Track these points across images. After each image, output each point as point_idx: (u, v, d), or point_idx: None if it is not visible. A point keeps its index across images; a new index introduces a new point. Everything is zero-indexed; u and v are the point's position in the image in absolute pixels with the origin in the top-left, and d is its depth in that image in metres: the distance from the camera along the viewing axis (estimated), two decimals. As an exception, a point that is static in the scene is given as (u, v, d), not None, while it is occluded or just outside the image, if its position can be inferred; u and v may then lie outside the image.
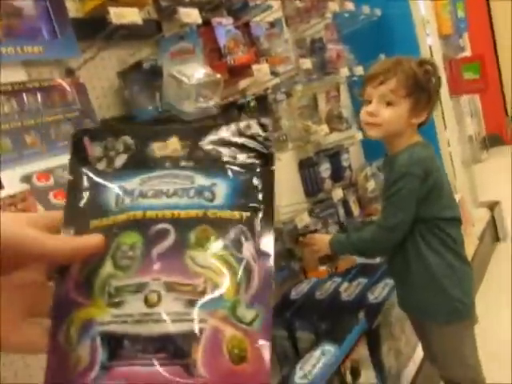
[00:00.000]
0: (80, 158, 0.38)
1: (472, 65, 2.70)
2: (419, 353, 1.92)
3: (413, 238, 1.33)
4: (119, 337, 0.31)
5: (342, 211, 2.46)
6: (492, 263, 2.79)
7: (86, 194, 0.37)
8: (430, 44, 2.82)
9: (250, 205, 0.36)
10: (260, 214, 0.36)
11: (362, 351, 1.59)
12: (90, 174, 0.38)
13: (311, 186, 2.41)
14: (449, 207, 1.33)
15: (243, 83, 1.90)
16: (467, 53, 3.25)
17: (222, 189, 0.37)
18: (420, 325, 1.50)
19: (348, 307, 1.75)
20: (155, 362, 0.30)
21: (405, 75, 1.25)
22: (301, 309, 1.83)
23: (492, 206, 3.15)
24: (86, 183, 0.38)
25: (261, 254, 0.34)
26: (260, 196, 0.36)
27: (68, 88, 1.26)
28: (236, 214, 0.35)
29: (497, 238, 3.18)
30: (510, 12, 5.34)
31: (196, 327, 0.31)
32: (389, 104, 1.27)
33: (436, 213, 1.30)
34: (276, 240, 1.94)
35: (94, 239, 0.34)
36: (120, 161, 0.39)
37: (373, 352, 1.65)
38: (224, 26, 1.71)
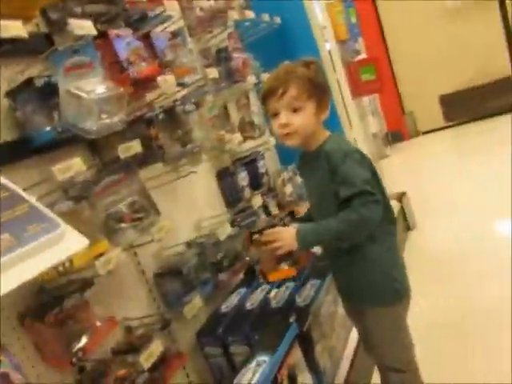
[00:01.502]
0: None
1: (368, 67, 2.88)
2: (351, 347, 1.97)
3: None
4: None
5: (263, 218, 2.46)
6: (406, 252, 2.97)
7: None
8: (329, 49, 2.95)
9: None
10: None
11: (297, 355, 1.59)
12: None
13: (231, 195, 2.39)
14: (382, 192, 1.38)
15: (150, 96, 1.83)
16: (363, 56, 3.46)
17: None
18: (359, 314, 1.49)
19: (278, 314, 1.75)
20: None
21: (301, 80, 1.30)
22: (232, 323, 1.79)
23: (400, 198, 3.37)
24: None
25: None
26: None
27: None
28: None
29: (407, 227, 3.40)
30: (397, 14, 5.82)
31: None
32: (296, 110, 1.31)
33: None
34: (200, 254, 1.90)
35: None
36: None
37: (307, 354, 1.66)
38: (123, 37, 1.63)
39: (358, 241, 1.34)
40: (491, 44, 5.42)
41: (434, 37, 5.72)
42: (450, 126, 5.97)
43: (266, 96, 1.36)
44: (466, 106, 5.75)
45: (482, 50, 5.44)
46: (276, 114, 1.34)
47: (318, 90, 1.34)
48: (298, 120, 1.31)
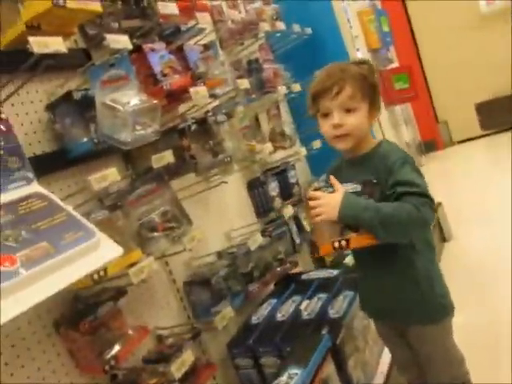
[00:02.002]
0: None
1: (401, 75, 2.84)
2: (385, 362, 1.92)
3: (394, 246, 1.27)
4: None
5: (294, 228, 2.44)
6: (442, 263, 2.88)
7: None
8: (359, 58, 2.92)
9: None
10: None
11: (329, 369, 1.56)
12: None
13: (261, 206, 2.38)
14: None
15: (182, 107, 1.86)
16: (395, 64, 3.41)
17: None
18: (400, 333, 1.41)
19: (310, 325, 1.72)
20: None
21: (356, 79, 1.24)
22: (263, 334, 1.78)
23: (435, 208, 3.27)
24: None
25: None
26: None
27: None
28: None
29: (443, 239, 3.30)
30: (430, 21, 5.72)
31: None
32: (350, 111, 1.25)
33: None
34: (231, 265, 1.90)
35: None
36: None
37: (340, 368, 1.63)
38: (157, 51, 1.67)
39: (397, 239, 1.22)
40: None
41: (467, 43, 5.58)
42: (485, 136, 5.79)
43: (317, 94, 1.27)
44: (503, 115, 5.56)
45: (519, 56, 5.27)
46: (327, 114, 1.27)
47: (372, 91, 1.28)
48: (352, 121, 1.25)
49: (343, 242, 1.19)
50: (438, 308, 1.32)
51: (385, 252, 1.27)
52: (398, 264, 1.29)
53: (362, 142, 1.31)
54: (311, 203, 1.24)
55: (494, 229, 3.12)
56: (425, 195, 1.18)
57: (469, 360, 1.42)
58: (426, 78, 5.99)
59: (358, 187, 1.23)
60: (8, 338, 1.19)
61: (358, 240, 1.20)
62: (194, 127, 1.69)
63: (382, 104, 1.41)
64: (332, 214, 1.19)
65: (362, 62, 1.32)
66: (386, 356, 1.94)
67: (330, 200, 1.21)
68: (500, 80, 5.51)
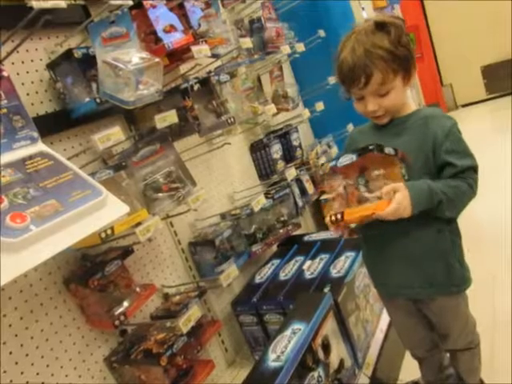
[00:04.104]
0: None
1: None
2: (385, 319, 1.97)
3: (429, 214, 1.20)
4: None
5: (297, 191, 2.45)
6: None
7: None
8: (365, 17, 2.85)
9: None
10: None
11: (331, 325, 1.60)
12: None
13: (264, 168, 2.39)
14: None
15: (185, 67, 1.83)
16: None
17: None
18: (419, 309, 1.38)
19: (313, 284, 1.76)
20: None
21: (384, 61, 1.11)
22: (266, 292, 1.82)
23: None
24: None
25: None
26: None
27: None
28: None
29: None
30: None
31: None
32: (384, 95, 1.16)
33: None
34: (235, 225, 1.92)
35: None
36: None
37: (341, 325, 1.67)
38: (157, 7, 1.62)
39: (450, 216, 1.20)
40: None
41: (475, 5, 5.41)
42: (490, 99, 5.70)
43: (345, 82, 1.18)
44: (509, 78, 5.47)
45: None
46: (361, 98, 1.19)
47: (403, 60, 1.14)
48: (388, 102, 1.17)
49: (338, 216, 1.17)
50: (465, 279, 1.30)
51: (414, 221, 1.19)
52: (428, 233, 1.23)
53: (402, 107, 1.23)
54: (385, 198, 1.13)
55: (497, 195, 3.12)
56: (477, 170, 1.18)
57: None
58: (431, 40, 5.85)
59: (354, 157, 1.16)
60: (22, 294, 1.22)
61: (350, 213, 1.17)
62: (196, 87, 1.67)
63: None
64: (407, 212, 1.13)
65: (386, 25, 1.13)
66: (386, 314, 1.99)
67: (402, 201, 1.11)
68: (506, 44, 5.38)
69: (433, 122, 1.18)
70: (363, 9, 2.83)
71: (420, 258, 1.25)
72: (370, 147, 1.13)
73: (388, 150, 1.13)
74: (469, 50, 5.59)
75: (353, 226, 1.32)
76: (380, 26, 1.15)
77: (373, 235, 1.31)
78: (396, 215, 1.12)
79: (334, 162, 1.21)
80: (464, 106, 5.94)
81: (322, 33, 2.65)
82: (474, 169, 1.17)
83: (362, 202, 1.18)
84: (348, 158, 1.18)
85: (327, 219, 1.19)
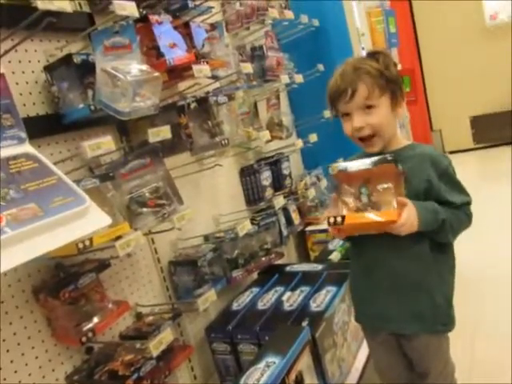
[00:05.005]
0: None
1: (403, 78, 2.83)
2: (361, 359, 1.93)
3: (424, 239, 1.22)
4: None
5: (283, 220, 2.43)
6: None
7: None
8: (364, 57, 2.90)
9: None
10: None
11: (306, 361, 1.56)
12: None
13: (252, 194, 2.37)
14: None
15: (183, 85, 1.83)
16: (398, 67, 3.40)
17: None
18: (399, 345, 1.35)
19: (291, 317, 1.71)
20: None
21: (370, 76, 1.17)
22: (243, 321, 1.77)
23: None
24: None
25: None
26: None
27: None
28: None
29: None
30: (435, 28, 5.73)
31: None
32: (369, 110, 1.18)
33: None
34: (217, 249, 1.88)
35: None
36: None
37: (317, 361, 1.62)
38: (163, 24, 1.63)
39: (451, 239, 1.23)
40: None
41: (469, 55, 5.61)
42: (476, 149, 5.84)
43: (333, 98, 1.22)
44: (496, 130, 5.63)
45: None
46: (348, 114, 1.21)
47: (390, 83, 1.19)
48: (374, 120, 1.18)
49: (339, 218, 1.15)
50: (450, 318, 1.28)
51: (404, 250, 1.21)
52: (418, 265, 1.22)
53: (392, 141, 1.25)
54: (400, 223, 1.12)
55: (479, 243, 3.14)
56: (470, 204, 1.24)
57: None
58: (424, 85, 6.01)
59: (369, 165, 1.15)
60: (-15, 300, 1.16)
61: (352, 218, 1.15)
62: (193, 105, 1.66)
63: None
64: (414, 227, 1.14)
65: (377, 53, 1.22)
66: (362, 354, 1.94)
67: (411, 214, 1.13)
68: (497, 95, 5.56)
69: (428, 161, 1.20)
70: (363, 48, 2.89)
71: (407, 290, 1.23)
72: (389, 158, 1.14)
73: (400, 167, 1.14)
74: (459, 100, 5.75)
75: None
76: (370, 54, 1.24)
77: (360, 260, 1.32)
78: (406, 227, 1.12)
79: (343, 166, 1.20)
80: (451, 152, 6.06)
81: (321, 67, 2.69)
82: (469, 203, 1.24)
83: (359, 211, 1.17)
84: (361, 164, 1.18)
85: (326, 220, 1.18)
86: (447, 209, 1.19)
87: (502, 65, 5.45)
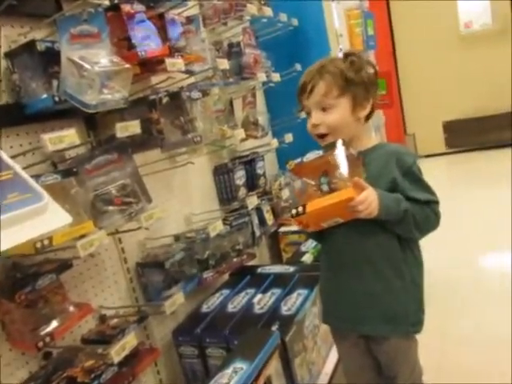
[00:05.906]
0: None
1: (380, 80, 2.82)
2: (330, 363, 1.91)
3: (394, 238, 1.21)
4: None
5: (256, 220, 2.39)
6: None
7: None
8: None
9: None
10: None
11: (275, 365, 1.52)
12: None
13: (225, 193, 2.32)
14: None
15: (155, 79, 1.76)
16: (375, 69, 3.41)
17: None
18: (375, 345, 1.32)
19: (261, 320, 1.68)
20: None
21: (331, 75, 1.19)
22: (212, 324, 1.72)
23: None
24: None
25: None
26: None
27: None
28: None
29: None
30: (411, 33, 5.81)
31: None
32: (326, 109, 1.20)
33: None
34: (187, 250, 1.82)
35: None
36: None
37: (286, 366, 1.59)
38: (136, 14, 1.56)
39: (415, 234, 1.20)
40: (502, 76, 5.40)
41: (444, 62, 5.70)
42: (449, 153, 5.95)
43: (297, 94, 1.25)
44: (468, 136, 5.74)
45: (492, 81, 5.43)
46: (309, 113, 1.24)
47: (353, 85, 1.19)
48: (330, 119, 1.19)
49: (300, 208, 1.13)
50: (420, 321, 1.27)
51: (374, 251, 1.21)
52: (389, 267, 1.21)
53: (357, 140, 1.23)
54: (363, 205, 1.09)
55: (448, 249, 3.18)
56: (438, 204, 1.21)
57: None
58: (399, 89, 6.08)
59: (320, 152, 1.18)
60: None
61: (313, 204, 1.12)
62: (165, 100, 1.59)
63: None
64: (375, 209, 1.11)
65: (349, 54, 1.23)
66: (332, 357, 1.93)
67: (371, 195, 1.10)
68: (470, 101, 5.67)
69: (394, 160, 1.20)
70: (341, 50, 2.88)
71: (380, 291, 1.22)
72: (337, 142, 1.13)
73: (352, 150, 1.13)
74: (433, 104, 5.85)
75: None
76: (346, 55, 1.24)
77: (330, 260, 1.31)
78: (365, 206, 1.08)
79: (299, 160, 1.20)
80: (425, 156, 6.16)
81: (298, 66, 2.66)
82: (436, 202, 1.21)
83: None
84: (314, 154, 1.18)
85: (290, 215, 1.16)
86: (414, 204, 1.17)
87: (476, 72, 5.57)
